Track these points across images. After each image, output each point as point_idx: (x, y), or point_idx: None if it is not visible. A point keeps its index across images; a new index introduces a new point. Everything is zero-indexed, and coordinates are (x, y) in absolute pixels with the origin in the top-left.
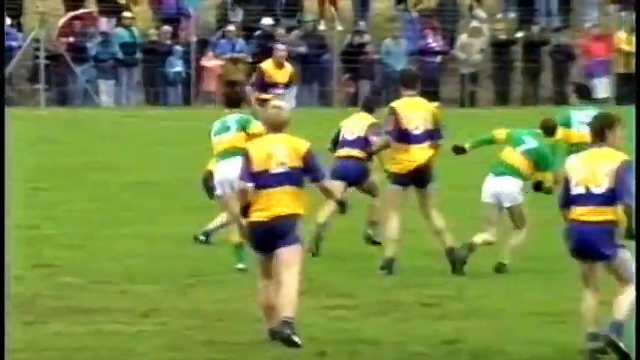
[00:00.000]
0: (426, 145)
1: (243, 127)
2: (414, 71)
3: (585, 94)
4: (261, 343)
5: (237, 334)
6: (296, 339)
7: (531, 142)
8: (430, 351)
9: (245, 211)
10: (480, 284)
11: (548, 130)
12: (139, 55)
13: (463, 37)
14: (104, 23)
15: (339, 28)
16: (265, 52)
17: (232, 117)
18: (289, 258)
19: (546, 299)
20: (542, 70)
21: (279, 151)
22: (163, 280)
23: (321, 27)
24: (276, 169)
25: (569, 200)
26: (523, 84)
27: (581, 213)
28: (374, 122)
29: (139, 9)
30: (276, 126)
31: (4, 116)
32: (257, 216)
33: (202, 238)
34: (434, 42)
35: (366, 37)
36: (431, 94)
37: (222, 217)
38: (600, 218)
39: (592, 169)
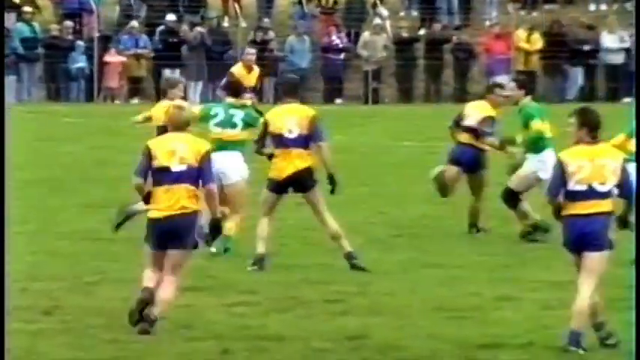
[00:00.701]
0: (302, 149)
1: (248, 124)
2: (295, 80)
3: (533, 88)
4: (165, 341)
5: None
6: (151, 332)
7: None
8: (335, 347)
9: (147, 201)
10: (383, 281)
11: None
12: (40, 51)
13: (366, 35)
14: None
15: (243, 24)
16: (168, 49)
17: (239, 113)
18: (177, 261)
19: (448, 295)
20: (444, 67)
21: (181, 149)
22: (65, 277)
23: (225, 23)
24: (177, 167)
25: (562, 193)
26: (425, 81)
27: (583, 207)
28: (489, 115)
29: (42, 2)
30: (178, 126)
31: (4, 116)
32: (155, 213)
33: None
34: (337, 39)
35: (270, 34)
36: (335, 92)
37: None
38: (600, 210)
39: (597, 167)
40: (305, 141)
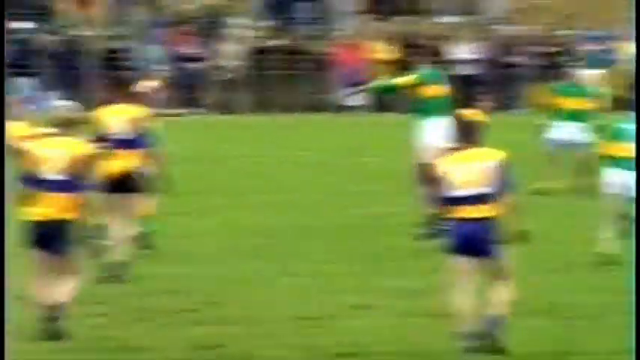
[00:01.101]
0: (130, 150)
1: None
2: (126, 77)
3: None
4: (24, 353)
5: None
6: (59, 323)
7: None
8: (191, 356)
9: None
10: (239, 290)
11: None
12: None
13: (222, 44)
14: None
15: (99, 33)
16: (22, 57)
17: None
18: (65, 269)
19: (304, 304)
20: (300, 77)
21: (57, 156)
22: None
23: (80, 32)
24: (51, 175)
25: (447, 200)
26: (281, 91)
27: (464, 211)
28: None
29: None
30: (59, 125)
31: (4, 116)
32: (33, 215)
33: None
34: (192, 48)
35: (124, 43)
36: (191, 101)
37: None
38: (481, 215)
39: (471, 170)
40: (133, 142)
